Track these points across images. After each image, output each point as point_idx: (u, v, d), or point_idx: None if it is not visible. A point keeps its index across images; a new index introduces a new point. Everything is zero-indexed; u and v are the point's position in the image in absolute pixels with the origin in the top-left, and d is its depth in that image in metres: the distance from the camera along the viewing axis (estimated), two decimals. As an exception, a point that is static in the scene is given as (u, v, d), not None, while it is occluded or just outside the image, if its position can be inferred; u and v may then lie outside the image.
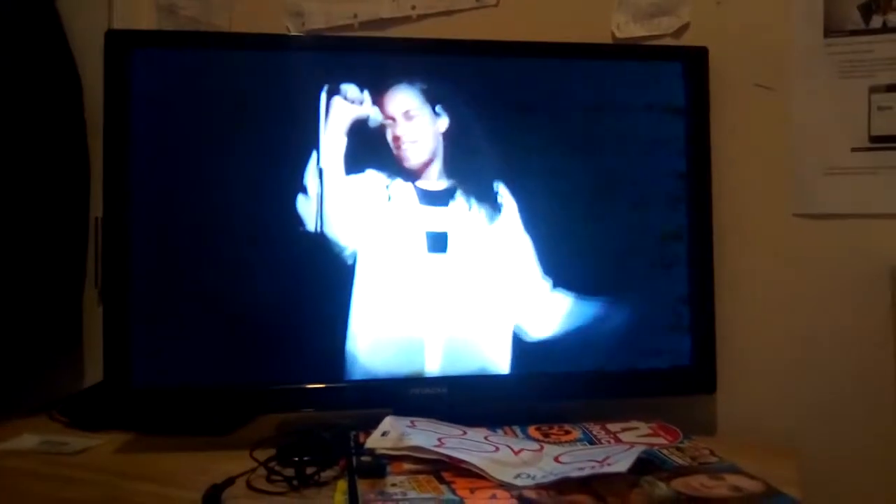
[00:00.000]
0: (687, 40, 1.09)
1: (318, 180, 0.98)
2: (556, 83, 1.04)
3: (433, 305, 1.01)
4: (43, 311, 1.23)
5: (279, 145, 0.99)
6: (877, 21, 1.02)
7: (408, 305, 1.00)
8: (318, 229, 0.98)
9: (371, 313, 0.99)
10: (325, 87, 0.99)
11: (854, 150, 1.03)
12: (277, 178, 0.99)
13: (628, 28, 1.11)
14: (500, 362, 1.02)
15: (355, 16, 1.21)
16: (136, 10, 1.29)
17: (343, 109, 0.98)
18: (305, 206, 0.98)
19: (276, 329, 0.99)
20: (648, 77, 1.05)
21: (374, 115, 0.99)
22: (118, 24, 1.25)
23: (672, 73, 1.05)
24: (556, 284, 1.02)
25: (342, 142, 0.99)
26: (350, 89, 0.99)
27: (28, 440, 1.01)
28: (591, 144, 1.04)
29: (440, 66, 1.03)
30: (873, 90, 1.02)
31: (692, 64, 1.05)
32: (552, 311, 1.02)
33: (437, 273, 1.01)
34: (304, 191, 0.98)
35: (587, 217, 1.03)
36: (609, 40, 1.12)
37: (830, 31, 1.04)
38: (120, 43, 0.97)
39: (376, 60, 1.03)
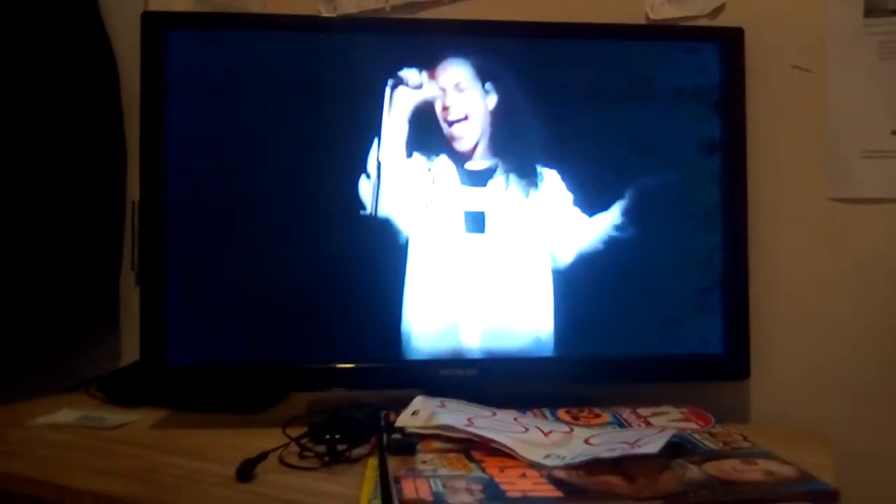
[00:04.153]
0: (722, 21, 1.07)
1: (376, 163, 0.99)
2: (593, 65, 1.03)
3: (469, 286, 1.01)
4: (81, 294, 1.26)
5: (322, 128, 1.00)
6: (919, 0, 1.00)
7: (445, 286, 1.01)
8: (370, 210, 0.99)
9: (410, 295, 1.00)
10: (370, 70, 1.00)
11: (894, 132, 1.01)
12: (320, 162, 1.00)
13: (662, 9, 1.10)
14: (532, 345, 1.02)
15: (387, -1, 1.21)
16: (171, -4, 1.31)
17: (403, 94, 0.99)
18: (365, 188, 0.99)
19: (307, 309, 1.00)
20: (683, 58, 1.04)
21: (430, 92, 1.00)
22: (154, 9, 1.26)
23: (707, 55, 1.03)
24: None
25: (402, 128, 0.99)
26: (411, 75, 0.99)
27: (67, 414, 1.03)
28: (625, 126, 1.03)
29: (486, 48, 1.02)
30: (915, 71, 1.00)
31: (728, 45, 1.03)
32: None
33: (474, 254, 1.01)
34: (368, 172, 0.99)
35: (622, 199, 1.02)
36: (642, 21, 1.11)
37: (871, 10, 1.01)
38: (156, 24, 0.99)
39: (421, 41, 1.03)
